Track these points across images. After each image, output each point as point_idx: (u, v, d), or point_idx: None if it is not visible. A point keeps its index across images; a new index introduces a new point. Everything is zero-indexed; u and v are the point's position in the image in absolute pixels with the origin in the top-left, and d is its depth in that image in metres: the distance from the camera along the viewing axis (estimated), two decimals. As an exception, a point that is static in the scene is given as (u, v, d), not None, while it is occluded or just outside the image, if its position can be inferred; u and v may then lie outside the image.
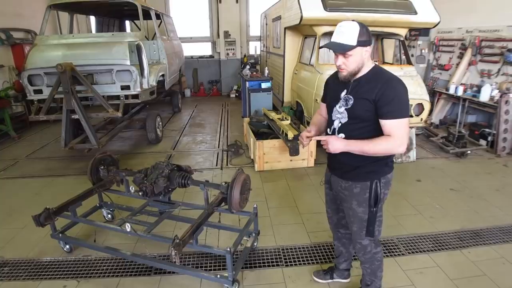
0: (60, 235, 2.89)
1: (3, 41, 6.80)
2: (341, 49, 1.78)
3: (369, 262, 2.17)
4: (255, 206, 2.91)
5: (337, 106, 1.95)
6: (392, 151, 1.82)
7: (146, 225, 2.70)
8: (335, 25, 1.84)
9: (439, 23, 5.10)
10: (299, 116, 5.93)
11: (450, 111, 6.88)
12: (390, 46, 6.05)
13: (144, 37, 5.75)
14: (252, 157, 4.99)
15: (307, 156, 4.79)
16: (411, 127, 4.99)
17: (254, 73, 7.16)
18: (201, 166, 5.00)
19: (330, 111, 2.03)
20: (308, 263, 2.81)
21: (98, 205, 3.35)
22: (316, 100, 4.80)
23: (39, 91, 4.95)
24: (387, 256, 2.87)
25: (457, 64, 6.59)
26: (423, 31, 7.11)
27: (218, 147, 5.83)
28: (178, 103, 8.47)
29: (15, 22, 7.20)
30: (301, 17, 4.77)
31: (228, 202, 2.51)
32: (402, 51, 5.65)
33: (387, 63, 5.83)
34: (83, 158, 5.01)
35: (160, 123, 6.22)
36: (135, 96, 5.07)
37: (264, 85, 6.41)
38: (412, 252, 2.92)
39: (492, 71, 5.85)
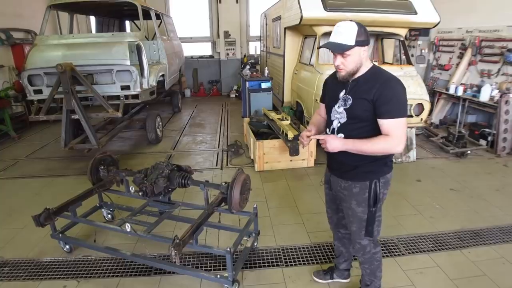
0: (60, 235, 2.89)
1: (3, 41, 6.80)
2: (340, 49, 1.78)
3: (368, 262, 2.17)
4: (255, 206, 2.91)
5: (336, 106, 1.96)
6: (390, 150, 1.82)
7: (146, 225, 2.70)
8: (335, 25, 1.84)
9: (439, 23, 5.10)
10: (299, 116, 5.93)
11: (450, 111, 6.88)
12: (390, 46, 6.05)
13: (144, 37, 5.75)
14: (252, 157, 4.99)
15: (307, 156, 4.79)
16: (411, 127, 5.00)
17: (254, 73, 7.16)
18: (201, 166, 5.00)
19: (329, 111, 2.03)
20: (308, 263, 2.81)
21: (98, 205, 3.35)
22: (316, 100, 4.80)
23: (39, 91, 4.95)
24: (387, 256, 2.87)
25: (457, 64, 6.59)
26: (423, 31, 7.12)
27: (218, 147, 5.83)
28: (178, 103, 8.47)
29: (15, 22, 7.20)
30: (301, 17, 4.77)
31: (228, 202, 2.51)
32: (402, 51, 5.65)
33: (387, 63, 5.82)
34: (83, 158, 5.01)
35: (160, 123, 6.22)
36: (135, 96, 5.07)
37: (264, 85, 6.41)
38: (412, 252, 2.92)
39: (492, 71, 5.85)
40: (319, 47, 2.09)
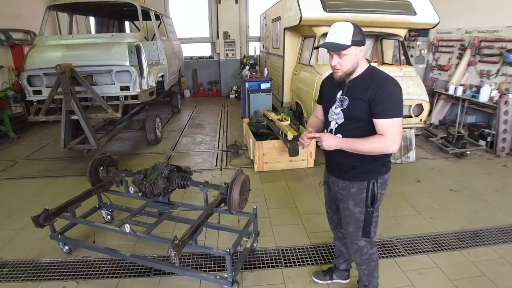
0: (59, 236, 2.88)
1: (2, 42, 6.80)
2: (336, 49, 1.79)
3: (366, 263, 2.17)
4: (254, 207, 2.91)
5: (333, 107, 1.96)
6: (384, 150, 1.82)
7: (146, 226, 2.69)
8: (331, 25, 1.86)
9: (438, 23, 5.11)
10: (298, 117, 5.93)
11: (449, 111, 6.89)
12: (389, 47, 6.05)
13: (144, 37, 5.75)
14: (251, 158, 4.99)
15: (306, 156, 4.79)
16: (410, 128, 5.00)
17: (254, 73, 7.16)
18: (201, 166, 4.99)
19: (326, 112, 2.04)
20: (308, 264, 2.81)
21: (97, 206, 3.34)
22: (316, 100, 4.80)
23: (39, 92, 4.95)
24: (386, 256, 2.88)
25: (457, 65, 6.60)
26: (423, 32, 7.13)
27: (218, 148, 5.83)
28: (177, 103, 8.47)
29: (14, 23, 7.20)
30: (301, 17, 4.78)
31: (228, 203, 2.51)
32: (402, 52, 5.66)
33: (387, 63, 5.83)
34: (82, 159, 5.01)
35: (160, 124, 6.22)
36: (135, 97, 5.07)
37: (263, 86, 6.41)
38: (412, 253, 2.92)
39: (492, 72, 5.86)
40: (315, 47, 2.10)
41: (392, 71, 4.77)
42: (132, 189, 2.97)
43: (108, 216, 3.44)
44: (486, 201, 3.81)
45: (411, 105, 4.75)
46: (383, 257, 2.87)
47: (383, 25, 5.06)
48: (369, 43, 5.99)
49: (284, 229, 3.33)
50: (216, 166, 5.04)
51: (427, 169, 4.79)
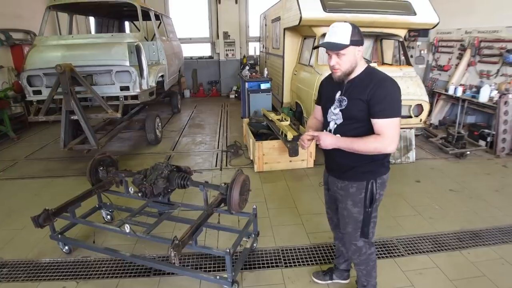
0: (59, 236, 2.88)
1: (2, 42, 6.80)
2: (335, 48, 1.80)
3: (364, 263, 2.18)
4: (254, 207, 2.91)
5: (332, 108, 1.97)
6: (381, 150, 1.82)
7: (146, 226, 2.69)
8: (330, 26, 1.86)
9: (438, 24, 5.11)
10: (298, 117, 5.93)
11: (449, 111, 6.89)
12: (389, 47, 6.05)
13: (144, 38, 5.75)
14: (251, 158, 4.99)
15: (306, 157, 4.79)
16: (410, 128, 5.01)
17: (254, 74, 7.16)
18: (201, 167, 4.99)
19: (325, 112, 2.05)
20: (308, 264, 2.81)
21: (97, 206, 3.34)
22: (315, 101, 4.80)
23: (38, 92, 4.95)
24: (386, 257, 2.88)
25: (456, 65, 6.60)
26: (422, 32, 7.13)
27: (218, 148, 5.83)
28: (177, 103, 8.47)
29: (14, 23, 7.20)
30: (301, 18, 4.78)
31: (228, 203, 2.51)
32: (401, 52, 5.66)
33: (387, 64, 5.83)
34: (82, 159, 5.01)
35: (160, 124, 6.21)
36: (135, 97, 5.07)
37: (263, 86, 6.41)
38: (412, 253, 2.92)
39: (491, 72, 5.86)
40: (314, 47, 2.10)
41: (392, 71, 4.77)
42: (132, 189, 2.97)
43: (108, 216, 3.44)
44: (486, 201, 3.81)
45: (411, 106, 4.75)
46: (383, 257, 2.88)
47: (383, 25, 5.06)
48: (369, 43, 5.99)
49: (284, 229, 3.33)
50: (216, 166, 5.04)
51: (427, 169, 4.79)
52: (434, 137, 5.84)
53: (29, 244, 3.12)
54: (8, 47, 6.98)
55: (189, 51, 10.62)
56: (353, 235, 2.08)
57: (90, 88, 4.60)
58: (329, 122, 2.00)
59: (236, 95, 10.48)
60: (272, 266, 2.79)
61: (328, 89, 2.04)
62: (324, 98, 2.08)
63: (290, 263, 2.83)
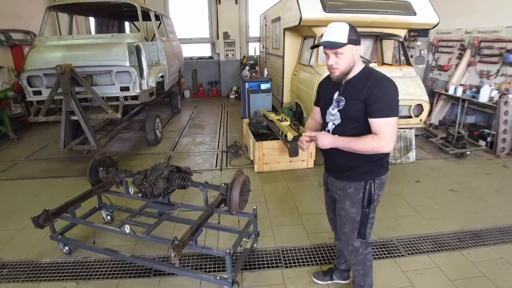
0: (59, 236, 2.88)
1: (2, 43, 6.80)
2: (333, 46, 1.81)
3: (361, 263, 2.18)
4: (254, 207, 2.91)
5: (330, 108, 1.98)
6: (379, 149, 1.82)
7: (146, 227, 2.69)
8: (327, 26, 1.87)
9: (438, 24, 5.11)
10: (298, 117, 5.94)
11: (449, 111, 6.89)
12: (389, 47, 6.05)
13: (144, 38, 5.75)
14: (251, 158, 4.99)
15: (306, 157, 4.79)
16: (410, 128, 5.00)
17: (254, 74, 7.16)
18: (201, 167, 4.99)
19: (323, 113, 2.06)
20: (308, 265, 2.81)
21: (97, 206, 3.34)
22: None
23: (38, 92, 4.95)
24: (386, 257, 2.88)
25: (456, 65, 6.60)
26: (422, 32, 7.13)
27: (218, 148, 5.83)
28: (177, 104, 8.47)
29: (14, 24, 7.20)
30: (300, 18, 4.78)
31: (228, 204, 2.51)
32: (401, 52, 5.66)
33: (387, 64, 5.83)
34: (82, 160, 5.01)
35: (160, 124, 6.22)
36: (135, 97, 5.07)
37: (263, 86, 6.42)
38: (412, 253, 2.92)
39: (491, 72, 5.86)
40: (313, 46, 2.10)
41: (392, 71, 4.77)
42: (132, 190, 2.97)
43: (108, 217, 3.44)
44: (486, 202, 3.81)
45: (411, 106, 4.75)
46: (383, 257, 2.88)
47: (383, 26, 5.06)
48: (369, 43, 5.99)
49: (284, 229, 3.33)
50: (216, 166, 5.04)
51: (427, 169, 4.79)
52: (434, 137, 5.84)
53: (29, 245, 3.12)
54: (8, 48, 6.98)
55: (189, 51, 10.63)
56: (350, 236, 2.08)
57: (90, 88, 4.60)
58: (328, 122, 2.01)
59: (236, 95, 10.48)
60: (272, 267, 2.79)
61: (326, 89, 2.05)
62: (322, 99, 2.09)
63: (290, 263, 2.83)
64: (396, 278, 2.63)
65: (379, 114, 1.79)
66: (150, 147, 5.90)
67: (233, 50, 10.67)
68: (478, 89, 5.76)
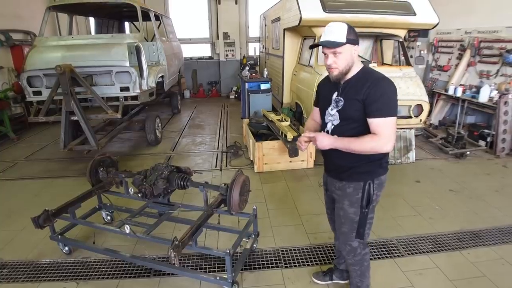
0: (59, 236, 2.88)
1: (2, 43, 6.80)
2: (332, 45, 1.81)
3: (358, 264, 2.18)
4: (254, 207, 2.91)
5: (329, 109, 1.98)
6: (378, 149, 1.82)
7: (146, 227, 2.69)
8: (326, 26, 1.88)
9: (438, 24, 5.11)
10: (298, 117, 5.94)
11: (449, 112, 6.89)
12: (389, 47, 6.06)
13: (144, 38, 5.75)
14: (251, 158, 4.99)
15: (306, 157, 4.79)
16: (410, 128, 5.01)
17: (253, 74, 7.16)
18: (201, 167, 4.99)
19: (323, 114, 2.06)
20: (308, 265, 2.81)
21: (97, 206, 3.34)
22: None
23: (38, 93, 4.95)
24: (386, 257, 2.88)
25: (456, 65, 6.60)
26: (422, 32, 7.13)
27: (218, 149, 5.83)
28: (177, 104, 8.48)
29: (14, 24, 7.20)
30: (300, 18, 4.78)
31: (228, 204, 2.51)
32: (401, 52, 5.66)
33: (386, 64, 5.83)
34: (82, 160, 5.01)
35: (160, 125, 6.22)
36: (134, 98, 5.07)
37: (263, 86, 6.42)
38: (412, 253, 2.92)
39: (491, 72, 5.86)
40: (311, 46, 2.11)
41: (391, 71, 4.77)
42: (132, 190, 2.97)
43: (108, 217, 3.44)
44: (486, 202, 3.81)
45: (410, 106, 4.75)
46: (382, 257, 2.88)
47: (383, 26, 5.06)
48: (368, 43, 5.99)
49: (284, 229, 3.33)
50: (216, 166, 5.04)
51: (427, 169, 4.79)
52: (434, 137, 5.84)
53: (29, 245, 3.12)
54: (8, 48, 6.98)
55: (189, 51, 10.63)
56: (348, 236, 2.08)
57: (90, 88, 4.60)
58: (327, 123, 2.01)
59: (236, 95, 10.48)
60: (272, 267, 2.79)
61: (325, 90, 2.05)
62: (322, 100, 2.10)
63: (290, 263, 2.83)
64: (396, 278, 2.63)
65: (377, 114, 1.79)
66: (150, 147, 5.90)
67: (233, 50, 10.67)
68: (478, 89, 5.77)
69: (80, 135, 4.97)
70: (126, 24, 9.38)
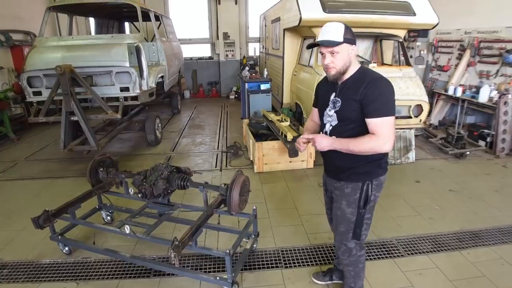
0: (59, 237, 2.89)
1: (2, 43, 6.80)
2: (329, 44, 1.82)
3: (353, 265, 2.18)
4: (254, 207, 2.91)
5: (327, 110, 1.99)
6: (376, 149, 1.82)
7: (146, 227, 2.69)
8: (323, 26, 1.89)
9: (437, 24, 5.12)
10: (298, 118, 5.94)
11: (449, 112, 6.89)
12: (389, 48, 6.06)
13: (144, 38, 5.75)
14: (251, 159, 5.00)
15: (306, 157, 4.79)
16: (410, 128, 5.01)
17: (253, 74, 7.17)
18: (201, 167, 5.00)
19: (321, 115, 2.07)
20: (308, 265, 2.81)
21: (97, 207, 3.34)
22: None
23: (38, 93, 4.95)
24: (386, 257, 2.88)
25: (456, 65, 6.61)
26: (422, 32, 7.13)
27: (218, 149, 5.84)
28: (177, 104, 8.48)
29: (14, 24, 7.20)
30: (300, 18, 4.78)
31: (228, 204, 2.51)
32: (401, 53, 5.66)
33: (386, 64, 5.83)
34: (82, 160, 5.01)
35: (160, 125, 6.22)
36: (134, 98, 5.07)
37: (263, 87, 6.42)
38: (411, 253, 2.92)
39: (491, 72, 5.87)
40: (309, 45, 2.11)
41: (391, 71, 4.78)
42: (132, 190, 2.97)
43: (108, 217, 3.44)
44: (485, 202, 3.81)
45: (410, 106, 4.76)
46: (382, 257, 2.88)
47: (383, 26, 5.07)
48: (368, 44, 6.00)
49: (284, 230, 3.33)
50: (216, 167, 5.04)
51: (427, 169, 4.79)
52: (434, 137, 5.84)
53: (29, 245, 3.12)
54: (8, 48, 6.99)
55: (189, 51, 10.63)
56: (345, 236, 2.09)
57: (90, 89, 4.61)
58: (325, 124, 2.02)
59: (236, 95, 10.48)
60: (272, 267, 2.79)
61: (324, 91, 2.06)
62: (320, 100, 2.10)
63: (290, 263, 2.83)
64: (396, 278, 2.63)
65: (375, 114, 1.79)
66: (150, 148, 5.90)
67: (233, 51, 10.67)
68: (477, 89, 5.77)
69: (80, 135, 4.98)
70: (126, 24, 9.38)
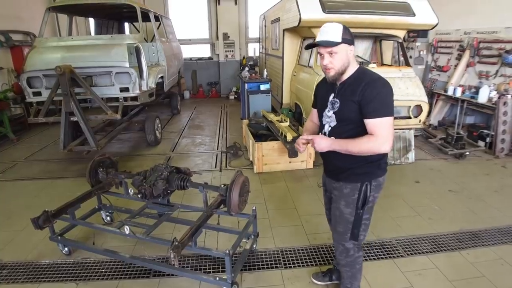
0: (59, 237, 2.89)
1: (2, 44, 6.80)
2: (328, 44, 1.82)
3: (350, 265, 2.18)
4: (254, 208, 2.91)
5: (326, 111, 1.99)
6: (375, 150, 1.81)
7: (145, 228, 2.69)
8: (321, 26, 1.89)
9: (437, 24, 5.13)
10: (298, 118, 5.94)
11: (448, 112, 6.90)
12: (388, 48, 6.06)
13: (143, 39, 5.76)
14: (251, 159, 5.00)
15: (306, 158, 4.80)
16: (409, 129, 5.01)
17: (253, 75, 7.17)
18: (200, 168, 5.00)
19: (320, 116, 2.07)
20: (307, 265, 2.81)
21: (97, 207, 3.34)
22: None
23: (38, 93, 4.94)
24: (385, 257, 2.88)
25: (456, 66, 6.62)
26: (422, 33, 7.15)
27: (217, 149, 5.84)
28: (177, 105, 8.48)
29: (14, 24, 7.20)
30: (300, 19, 4.79)
31: (227, 204, 2.51)
32: (401, 53, 5.66)
33: (386, 64, 5.84)
34: (82, 160, 5.01)
35: (159, 125, 6.22)
36: (134, 98, 5.07)
37: (263, 87, 6.42)
38: (411, 254, 2.93)
39: (490, 73, 5.87)
40: (307, 45, 2.11)
41: (391, 72, 4.78)
42: (132, 191, 2.97)
43: (108, 218, 3.44)
44: (485, 202, 3.82)
45: (410, 106, 4.76)
46: (382, 258, 2.88)
47: (382, 26, 5.07)
48: (368, 44, 6.00)
49: (284, 230, 3.33)
50: (215, 167, 5.04)
51: (426, 170, 4.79)
52: (433, 137, 5.84)
53: (29, 246, 3.12)
54: (8, 49, 6.98)
55: (189, 52, 10.63)
56: (342, 236, 2.09)
57: (90, 89, 4.61)
58: (324, 124, 2.02)
59: (236, 96, 10.48)
60: (272, 267, 2.79)
61: (323, 91, 2.06)
62: (319, 101, 2.11)
63: (289, 264, 2.83)
64: (395, 279, 2.63)
65: (374, 114, 1.79)
66: (149, 148, 5.90)
67: (232, 51, 10.67)
68: (477, 89, 5.77)
69: (80, 135, 4.97)
70: (126, 25, 9.37)
